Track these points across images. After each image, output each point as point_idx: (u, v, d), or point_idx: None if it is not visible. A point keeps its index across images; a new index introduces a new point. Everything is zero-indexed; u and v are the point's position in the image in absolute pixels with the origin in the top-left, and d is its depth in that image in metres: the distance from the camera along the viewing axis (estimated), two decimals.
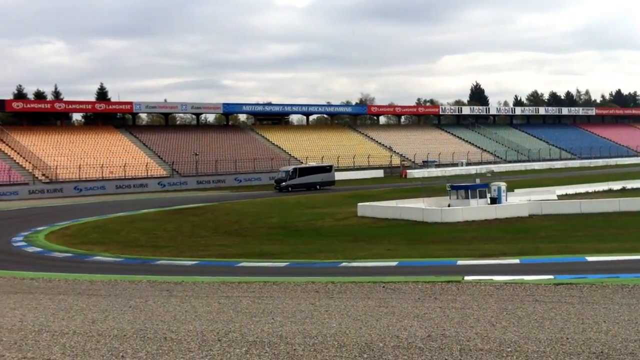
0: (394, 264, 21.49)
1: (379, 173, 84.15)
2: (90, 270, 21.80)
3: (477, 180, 42.54)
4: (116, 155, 74.71)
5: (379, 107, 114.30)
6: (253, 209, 45.71)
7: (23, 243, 31.23)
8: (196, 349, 10.63)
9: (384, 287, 15.58)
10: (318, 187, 65.49)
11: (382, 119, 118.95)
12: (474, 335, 10.74)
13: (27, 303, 15.13)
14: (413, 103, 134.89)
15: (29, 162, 68.72)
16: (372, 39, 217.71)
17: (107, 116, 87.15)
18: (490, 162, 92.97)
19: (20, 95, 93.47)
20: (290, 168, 66.49)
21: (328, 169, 69.11)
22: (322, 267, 21.41)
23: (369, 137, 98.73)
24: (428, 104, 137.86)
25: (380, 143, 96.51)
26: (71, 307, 14.46)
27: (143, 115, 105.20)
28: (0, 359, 10.38)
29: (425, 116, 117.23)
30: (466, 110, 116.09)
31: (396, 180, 76.72)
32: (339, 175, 79.79)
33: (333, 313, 12.85)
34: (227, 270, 21.39)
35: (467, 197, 37.73)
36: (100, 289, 17.13)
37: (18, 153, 70.44)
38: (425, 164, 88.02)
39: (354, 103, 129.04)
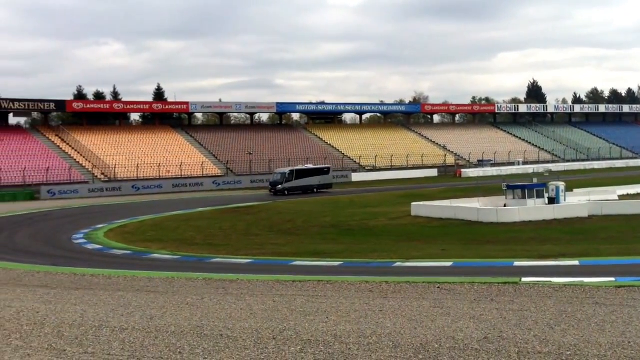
0: (448, 264, 21.30)
1: (433, 172, 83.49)
2: (148, 267, 22.22)
3: (535, 180, 41.81)
4: (173, 154, 75.88)
5: (433, 105, 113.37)
6: (306, 208, 45.87)
7: (83, 240, 31.99)
8: (252, 346, 10.72)
9: (439, 287, 15.43)
10: (315, 190, 61.99)
11: (436, 118, 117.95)
12: (532, 337, 10.56)
13: (88, 299, 15.48)
14: (468, 101, 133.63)
15: (89, 161, 70.33)
16: (425, 37, 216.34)
17: (164, 116, 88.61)
18: (548, 162, 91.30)
19: (80, 95, 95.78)
20: (287, 170, 62.61)
21: (326, 171, 65.50)
22: (376, 267, 21.37)
23: (422, 136, 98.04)
24: (483, 102, 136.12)
25: (434, 142, 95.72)
26: (130, 303, 14.74)
27: (199, 115, 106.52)
28: (62, 354, 10.64)
29: (481, 114, 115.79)
30: (523, 109, 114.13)
31: (451, 179, 76.07)
32: (392, 175, 79.59)
33: (387, 313, 12.79)
34: (281, 268, 21.51)
35: (524, 197, 37.13)
36: (158, 286, 17.42)
37: (78, 152, 72.17)
38: (481, 163, 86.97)
39: (407, 102, 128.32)
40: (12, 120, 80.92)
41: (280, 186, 60.23)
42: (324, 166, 67.85)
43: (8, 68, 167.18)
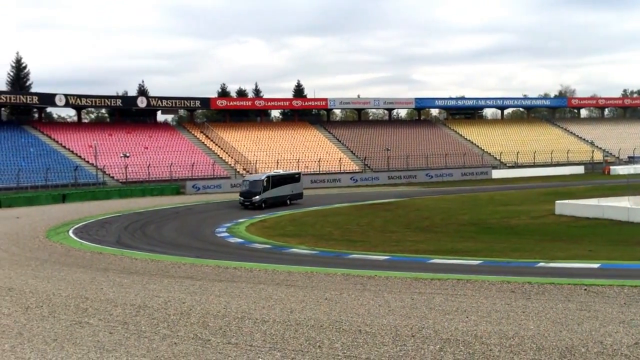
0: (595, 265, 20.30)
1: (579, 169, 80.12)
2: (288, 261, 22.65)
3: None
4: (311, 150, 77.20)
5: (580, 99, 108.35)
6: (444, 205, 45.24)
7: (226, 234, 33.16)
8: (390, 343, 10.70)
9: (585, 290, 14.79)
10: (288, 202, 49.82)
11: (584, 112, 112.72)
12: None
13: (231, 291, 16.01)
14: (618, 94, 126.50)
15: (231, 157, 72.92)
16: (571, 27, 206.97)
17: (303, 112, 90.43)
18: None
19: (223, 93, 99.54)
20: (263, 176, 49.10)
21: (297, 178, 52.26)
22: (518, 267, 20.68)
23: (568, 131, 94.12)
24: (635, 95, 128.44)
25: (580, 137, 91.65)
26: (271, 296, 15.10)
27: (337, 111, 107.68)
28: (207, 344, 11.05)
29: (632, 108, 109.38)
30: None
31: (598, 177, 72.71)
32: (535, 172, 76.95)
33: (530, 314, 12.44)
34: (419, 266, 21.29)
35: None
36: (297, 280, 17.75)
37: (221, 148, 75.00)
38: (632, 160, 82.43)
39: (552, 95, 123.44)
40: (160, 117, 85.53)
41: (257, 197, 46.95)
42: (294, 172, 55.13)
43: (156, 67, 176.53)
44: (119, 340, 11.40)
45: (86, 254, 25.07)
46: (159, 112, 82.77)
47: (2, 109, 73.74)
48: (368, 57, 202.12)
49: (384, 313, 12.93)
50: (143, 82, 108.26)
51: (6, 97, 70.20)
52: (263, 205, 46.88)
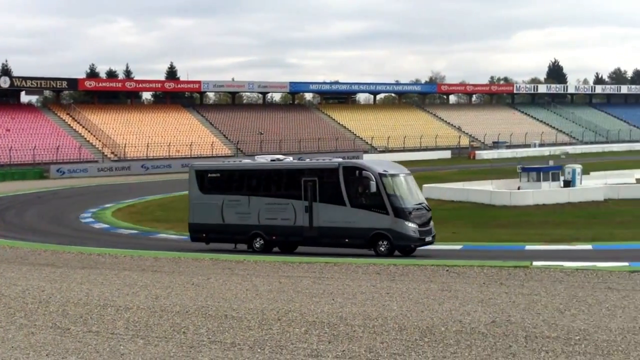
0: (458, 247, 21.16)
1: (447, 154, 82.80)
2: (155, 247, 22.19)
3: (550, 162, 41.37)
4: (183, 133, 75.77)
5: (449, 85, 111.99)
6: None
7: (91, 219, 32.05)
8: (256, 327, 10.65)
9: (447, 270, 15.33)
10: None
11: (453, 98, 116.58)
12: (540, 322, 10.40)
13: (94, 278, 15.46)
14: (486, 81, 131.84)
15: (99, 140, 70.37)
16: (442, 14, 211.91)
17: (176, 95, 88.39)
18: (565, 144, 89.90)
19: (92, 74, 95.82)
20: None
21: None
22: None
23: (437, 116, 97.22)
24: (502, 82, 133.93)
25: (449, 123, 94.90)
26: (136, 282, 14.71)
27: (211, 94, 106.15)
28: (66, 332, 10.61)
29: (498, 95, 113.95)
30: (542, 89, 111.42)
31: (464, 161, 75.53)
32: (405, 156, 78.72)
33: (394, 296, 12.71)
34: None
35: (538, 180, 36.69)
36: (164, 265, 17.39)
37: (89, 131, 72.17)
38: (496, 145, 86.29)
39: (423, 82, 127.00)
40: (24, 98, 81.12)
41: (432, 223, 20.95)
42: None
43: (19, 45, 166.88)
44: None
45: None
46: (22, 93, 78.37)
47: None
48: (243, 39, 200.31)
49: (251, 297, 12.87)
50: (6, 61, 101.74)
51: None
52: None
